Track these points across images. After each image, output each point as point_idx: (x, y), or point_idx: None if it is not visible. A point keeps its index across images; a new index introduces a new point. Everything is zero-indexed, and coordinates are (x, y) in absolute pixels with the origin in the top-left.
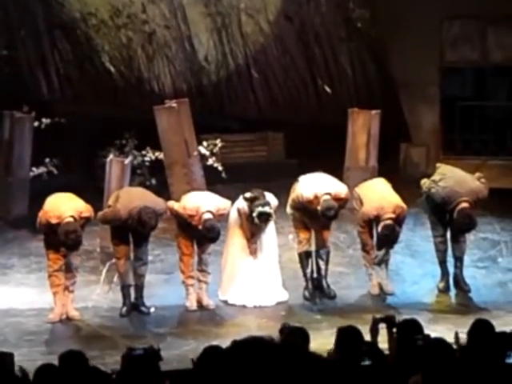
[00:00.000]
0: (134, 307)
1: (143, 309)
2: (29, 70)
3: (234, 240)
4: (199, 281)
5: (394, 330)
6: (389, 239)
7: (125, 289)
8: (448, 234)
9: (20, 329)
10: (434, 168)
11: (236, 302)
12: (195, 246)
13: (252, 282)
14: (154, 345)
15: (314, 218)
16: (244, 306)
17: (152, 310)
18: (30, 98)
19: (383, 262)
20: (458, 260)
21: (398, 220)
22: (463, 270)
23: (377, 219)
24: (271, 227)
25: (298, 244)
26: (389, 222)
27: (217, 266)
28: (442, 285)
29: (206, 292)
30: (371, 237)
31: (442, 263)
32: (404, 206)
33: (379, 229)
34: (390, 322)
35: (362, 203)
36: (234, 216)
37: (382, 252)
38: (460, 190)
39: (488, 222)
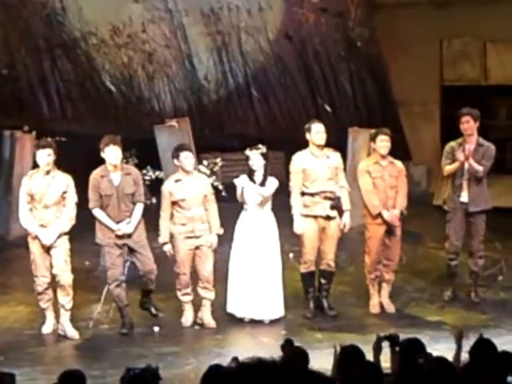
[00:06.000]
0: (132, 327)
1: (152, 309)
2: (29, 89)
3: (237, 250)
4: (202, 298)
5: (397, 348)
6: None
7: (122, 309)
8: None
9: (21, 348)
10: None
11: (236, 313)
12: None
13: (253, 294)
14: (152, 364)
15: None
16: (243, 319)
17: (156, 329)
18: (30, 117)
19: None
20: (474, 273)
21: None
22: (477, 282)
23: None
24: (275, 242)
25: (302, 264)
26: None
27: (221, 283)
28: (447, 294)
29: (210, 309)
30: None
31: (451, 275)
32: None
33: None
34: (393, 340)
35: None
36: (239, 226)
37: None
38: None
39: (489, 240)
